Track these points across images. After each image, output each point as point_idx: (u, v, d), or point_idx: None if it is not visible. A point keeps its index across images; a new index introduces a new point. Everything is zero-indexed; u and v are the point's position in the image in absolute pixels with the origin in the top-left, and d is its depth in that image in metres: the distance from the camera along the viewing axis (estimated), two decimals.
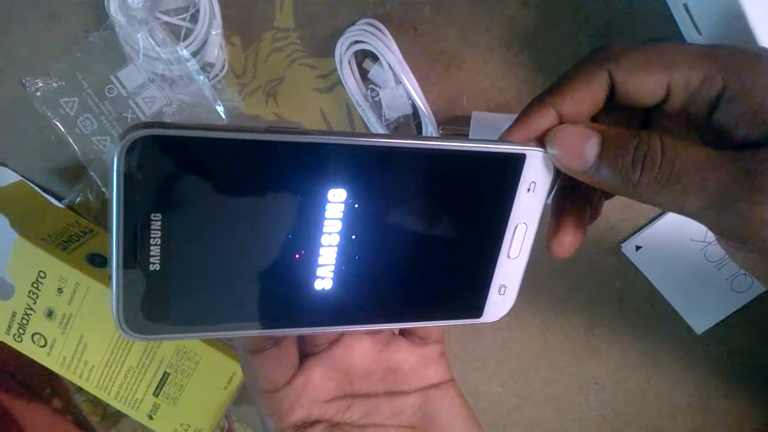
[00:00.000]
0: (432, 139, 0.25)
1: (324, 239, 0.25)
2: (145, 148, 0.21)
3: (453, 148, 0.25)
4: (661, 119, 0.26)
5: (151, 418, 0.52)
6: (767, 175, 0.22)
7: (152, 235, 0.22)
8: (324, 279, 0.26)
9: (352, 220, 0.25)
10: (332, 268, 0.26)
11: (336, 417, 0.33)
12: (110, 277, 0.22)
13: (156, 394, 0.51)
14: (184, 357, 0.50)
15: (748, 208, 0.22)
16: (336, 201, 0.24)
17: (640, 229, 0.49)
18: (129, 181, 0.21)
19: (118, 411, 0.53)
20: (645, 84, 0.25)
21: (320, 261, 0.25)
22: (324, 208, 0.24)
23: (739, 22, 0.34)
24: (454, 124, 0.47)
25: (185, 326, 0.24)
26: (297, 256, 0.25)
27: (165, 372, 0.50)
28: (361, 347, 0.33)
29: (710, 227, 0.24)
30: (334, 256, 0.26)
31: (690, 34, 0.41)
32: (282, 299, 0.26)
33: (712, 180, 0.22)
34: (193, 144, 0.21)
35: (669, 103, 0.25)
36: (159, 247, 0.22)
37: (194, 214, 0.23)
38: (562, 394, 0.56)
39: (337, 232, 0.25)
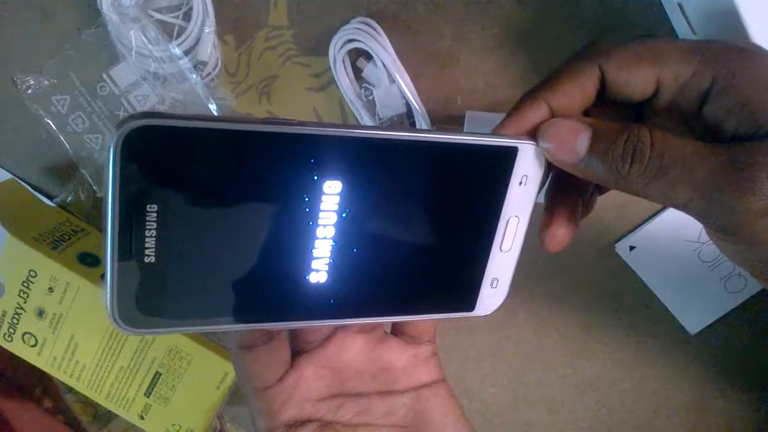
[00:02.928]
0: (426, 132, 0.26)
1: (319, 231, 0.25)
2: (141, 139, 0.21)
3: (446, 141, 0.25)
4: (652, 113, 0.27)
5: (142, 418, 0.52)
6: (755, 167, 0.22)
7: (147, 227, 0.22)
8: (318, 272, 0.26)
9: (346, 213, 0.25)
10: (327, 261, 0.26)
11: (327, 416, 0.32)
12: (104, 269, 0.22)
13: (147, 395, 0.51)
14: (175, 357, 0.49)
15: (736, 200, 0.22)
16: (331, 193, 0.24)
17: (634, 229, 0.49)
18: (125, 171, 0.21)
19: (110, 411, 0.53)
20: (635, 78, 0.25)
21: (315, 254, 0.25)
22: (320, 200, 0.24)
23: (733, 22, 0.34)
24: (448, 123, 0.47)
25: (180, 320, 0.24)
26: (292, 248, 0.25)
27: (156, 372, 0.50)
28: (354, 346, 0.33)
29: (699, 219, 0.25)
30: (329, 248, 0.26)
31: (685, 34, 0.41)
32: (277, 292, 0.26)
33: (700, 172, 0.23)
34: (189, 135, 0.21)
35: (659, 98, 0.26)
36: (154, 238, 0.22)
37: (190, 205, 0.22)
38: (557, 395, 0.55)
39: (332, 225, 0.25)
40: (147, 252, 0.22)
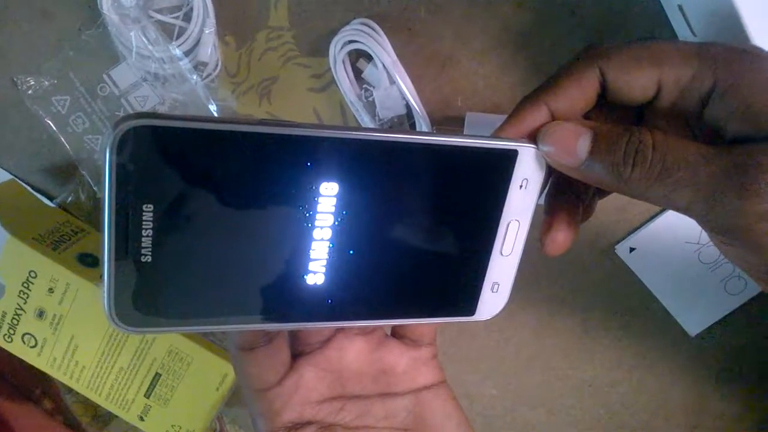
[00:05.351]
0: (425, 135, 0.25)
1: (316, 233, 0.25)
2: (137, 139, 0.21)
3: (446, 144, 0.25)
4: (653, 116, 0.27)
5: (142, 419, 0.52)
6: (757, 169, 0.22)
7: (144, 226, 0.22)
8: (316, 274, 0.26)
9: (343, 215, 0.25)
10: (324, 262, 0.26)
11: (328, 418, 0.32)
12: (102, 269, 0.22)
13: (147, 396, 0.51)
14: (175, 358, 0.49)
15: (738, 202, 0.22)
16: (328, 195, 0.24)
17: (634, 230, 0.49)
18: (121, 171, 0.21)
19: (109, 412, 0.53)
20: (636, 81, 0.25)
21: (312, 255, 0.25)
22: (316, 201, 0.24)
23: (733, 23, 0.34)
24: (449, 124, 0.47)
25: (177, 319, 0.24)
26: (288, 249, 0.25)
27: (156, 373, 0.50)
28: (354, 348, 0.33)
29: (701, 222, 0.24)
30: (326, 250, 0.25)
31: (685, 36, 0.41)
32: (274, 293, 0.26)
33: (702, 174, 0.23)
34: (185, 135, 0.21)
35: (660, 100, 0.25)
36: (150, 238, 0.22)
37: (186, 205, 0.22)
38: (556, 396, 0.55)
39: (329, 227, 0.25)
40: (143, 251, 0.22)
